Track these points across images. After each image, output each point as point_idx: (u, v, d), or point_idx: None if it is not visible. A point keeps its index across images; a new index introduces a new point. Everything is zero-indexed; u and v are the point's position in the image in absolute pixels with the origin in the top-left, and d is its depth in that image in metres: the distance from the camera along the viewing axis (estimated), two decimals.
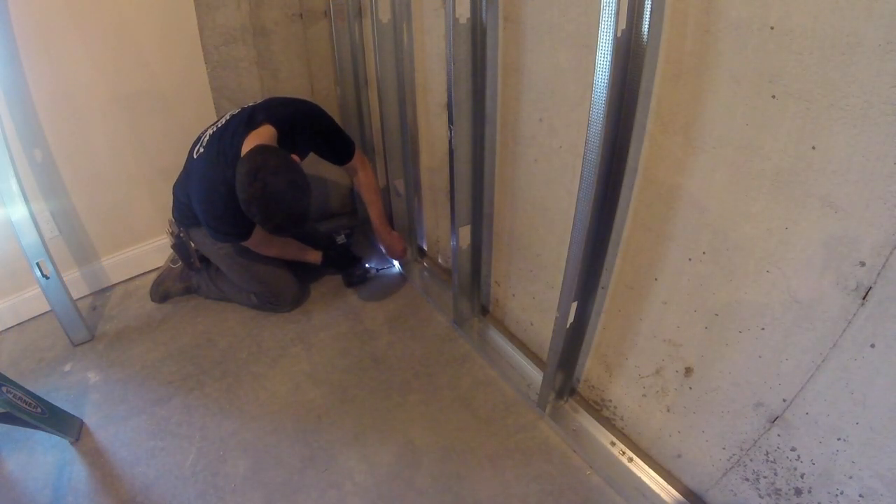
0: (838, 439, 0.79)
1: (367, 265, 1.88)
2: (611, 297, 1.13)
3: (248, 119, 1.45)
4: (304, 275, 1.83)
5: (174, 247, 1.72)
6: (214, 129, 1.51)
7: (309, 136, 1.55)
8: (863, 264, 0.68)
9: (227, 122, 1.49)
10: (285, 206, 1.33)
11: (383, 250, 1.86)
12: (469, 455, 1.26)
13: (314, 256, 1.78)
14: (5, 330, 1.73)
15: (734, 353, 0.90)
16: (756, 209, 0.79)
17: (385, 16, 1.49)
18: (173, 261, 1.81)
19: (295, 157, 1.39)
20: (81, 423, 1.37)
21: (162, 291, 1.80)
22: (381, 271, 1.93)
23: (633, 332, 1.11)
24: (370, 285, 1.87)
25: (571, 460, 1.23)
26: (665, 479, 1.14)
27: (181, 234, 1.68)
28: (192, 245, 1.70)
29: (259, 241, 1.59)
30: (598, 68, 0.80)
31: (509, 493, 1.17)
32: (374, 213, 1.77)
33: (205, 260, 1.75)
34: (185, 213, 1.62)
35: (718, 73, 0.76)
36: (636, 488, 1.14)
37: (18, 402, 1.18)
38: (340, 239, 1.85)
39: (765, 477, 0.93)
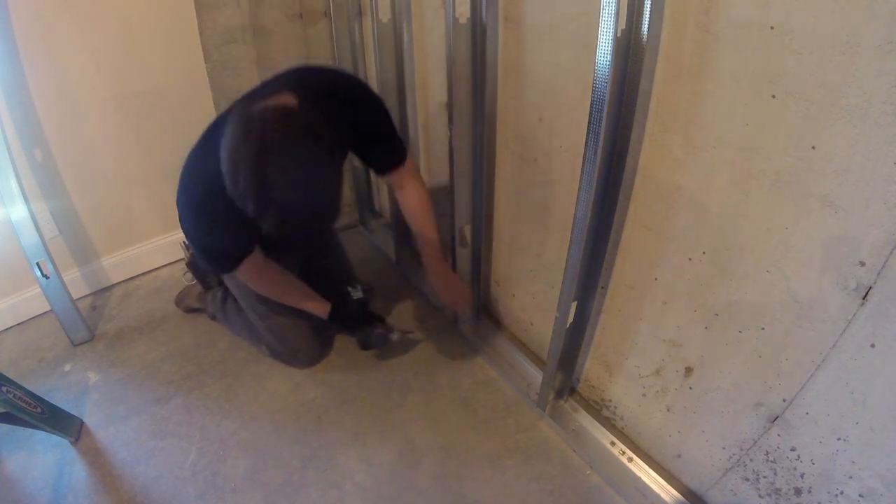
0: (838, 439, 0.79)
1: (388, 327, 1.42)
2: (611, 297, 1.13)
3: (254, 92, 1.06)
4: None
5: (189, 264, 1.53)
6: (216, 116, 1.15)
7: (347, 120, 1.07)
8: (863, 264, 0.68)
9: (232, 105, 1.04)
10: (290, 178, 0.84)
11: (437, 295, 1.45)
12: (469, 455, 1.26)
13: (320, 308, 1.36)
14: (5, 330, 1.72)
15: (734, 352, 0.90)
16: (756, 209, 0.79)
17: (385, 16, 1.49)
18: (186, 278, 1.67)
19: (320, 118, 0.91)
20: (81, 423, 1.37)
21: (185, 306, 1.74)
22: (407, 336, 1.50)
23: (633, 332, 1.11)
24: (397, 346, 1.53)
25: (571, 460, 1.23)
26: (665, 479, 1.14)
27: None
28: None
29: (253, 271, 1.19)
30: (598, 68, 0.80)
31: (509, 493, 1.18)
32: (428, 244, 1.32)
33: (222, 283, 1.61)
34: None
35: (718, 73, 0.76)
36: (636, 488, 1.14)
37: (18, 401, 1.18)
38: (356, 293, 1.39)
39: (765, 477, 0.93)
